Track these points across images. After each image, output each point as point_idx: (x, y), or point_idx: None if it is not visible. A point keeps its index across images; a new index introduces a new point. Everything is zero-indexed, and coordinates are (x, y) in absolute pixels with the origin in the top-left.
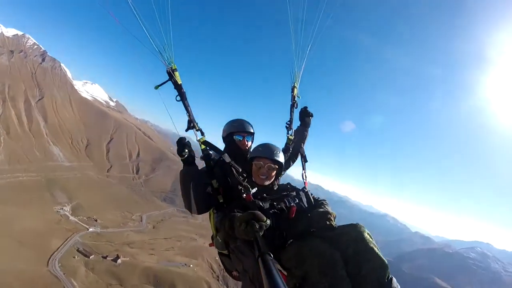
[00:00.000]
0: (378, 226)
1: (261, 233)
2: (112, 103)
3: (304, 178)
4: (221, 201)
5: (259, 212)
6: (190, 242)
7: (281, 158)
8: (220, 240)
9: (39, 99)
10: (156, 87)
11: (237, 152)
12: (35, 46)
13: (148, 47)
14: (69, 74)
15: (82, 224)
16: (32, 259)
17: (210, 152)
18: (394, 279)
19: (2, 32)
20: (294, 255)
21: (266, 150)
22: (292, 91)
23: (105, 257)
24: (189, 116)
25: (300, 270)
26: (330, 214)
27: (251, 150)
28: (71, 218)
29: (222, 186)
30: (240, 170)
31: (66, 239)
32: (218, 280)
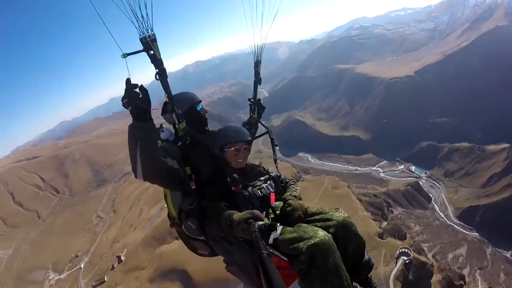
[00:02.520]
0: (270, 58)
1: (259, 233)
2: None
3: (275, 161)
4: (193, 187)
5: (258, 212)
6: (147, 191)
7: (250, 135)
8: (194, 227)
9: None
10: (124, 56)
11: (200, 122)
12: None
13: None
14: None
15: (73, 271)
16: None
17: (188, 137)
18: (367, 252)
19: None
20: (296, 242)
21: (239, 134)
22: (256, 66)
23: (112, 268)
24: (168, 97)
25: (306, 255)
26: (301, 206)
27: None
28: (61, 276)
29: (195, 172)
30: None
31: None
32: None
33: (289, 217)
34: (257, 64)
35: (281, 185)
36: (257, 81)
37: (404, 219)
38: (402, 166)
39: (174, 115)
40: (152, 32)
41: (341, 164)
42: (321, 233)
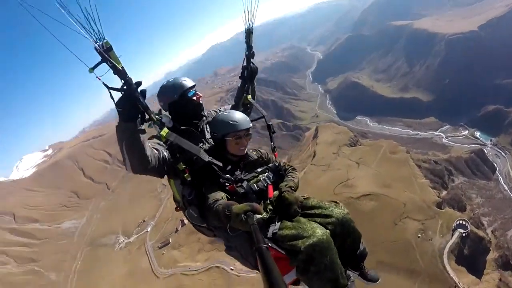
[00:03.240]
0: (321, 19)
1: (258, 226)
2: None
3: (273, 149)
4: (189, 179)
5: (257, 205)
6: None
7: (250, 121)
8: (196, 215)
9: None
10: (91, 70)
11: (192, 109)
12: None
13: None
14: None
15: (141, 234)
16: None
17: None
18: (362, 242)
19: None
20: (294, 239)
21: (241, 122)
22: (248, 37)
23: (176, 231)
24: (142, 107)
25: (304, 254)
26: (296, 198)
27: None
28: (130, 240)
29: (188, 164)
30: (221, 164)
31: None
32: None
33: (286, 210)
34: (248, 34)
35: (279, 173)
36: (250, 55)
37: (465, 189)
38: (466, 132)
39: (152, 124)
40: (105, 40)
41: (401, 128)
42: (319, 231)
